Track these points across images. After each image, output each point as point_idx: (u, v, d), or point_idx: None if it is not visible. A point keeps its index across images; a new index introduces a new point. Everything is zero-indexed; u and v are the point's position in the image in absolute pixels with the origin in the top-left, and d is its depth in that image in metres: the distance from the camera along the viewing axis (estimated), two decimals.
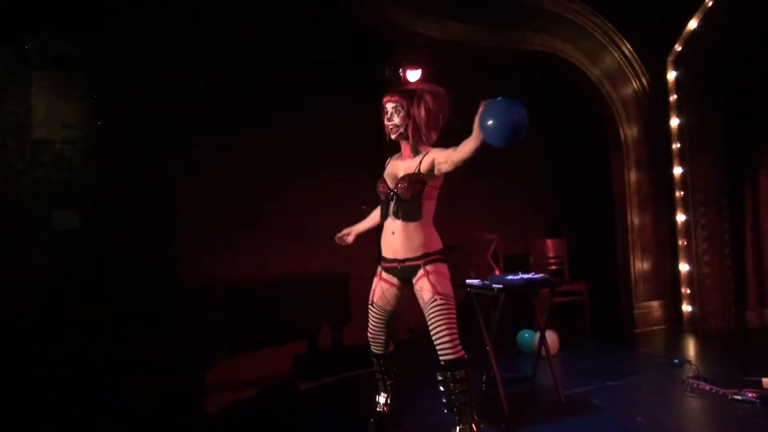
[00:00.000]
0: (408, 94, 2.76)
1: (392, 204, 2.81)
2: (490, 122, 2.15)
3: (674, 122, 5.35)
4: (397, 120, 2.76)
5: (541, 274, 3.67)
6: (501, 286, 3.36)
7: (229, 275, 4.35)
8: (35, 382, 3.50)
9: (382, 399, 3.14)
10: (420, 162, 2.76)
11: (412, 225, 2.77)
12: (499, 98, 2.22)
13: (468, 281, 3.63)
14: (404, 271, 2.82)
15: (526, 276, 3.56)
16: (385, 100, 2.80)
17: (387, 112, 2.80)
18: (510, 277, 3.53)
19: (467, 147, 2.49)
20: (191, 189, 4.24)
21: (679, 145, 5.32)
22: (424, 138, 2.79)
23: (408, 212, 2.77)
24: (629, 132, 5.45)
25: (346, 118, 4.83)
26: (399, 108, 2.74)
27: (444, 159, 2.64)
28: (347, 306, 4.91)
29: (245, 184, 4.48)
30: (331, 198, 4.82)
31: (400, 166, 2.86)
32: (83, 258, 3.97)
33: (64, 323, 3.77)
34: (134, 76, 4.09)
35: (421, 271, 2.74)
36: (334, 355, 4.81)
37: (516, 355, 4.72)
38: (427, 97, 2.72)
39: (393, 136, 2.83)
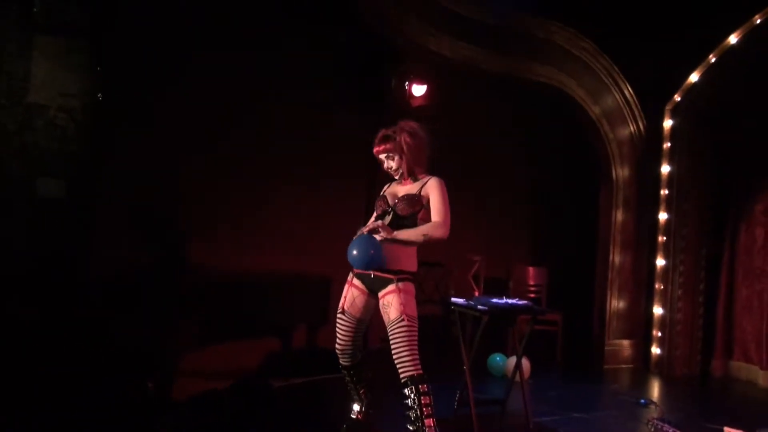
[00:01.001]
0: (391, 140, 2.92)
1: (387, 218, 2.91)
2: (354, 252, 2.74)
3: (665, 169, 5.49)
4: (393, 164, 2.95)
5: (525, 301, 3.73)
6: (486, 308, 3.40)
7: (212, 265, 4.31)
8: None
9: (356, 407, 3.16)
10: (420, 189, 2.90)
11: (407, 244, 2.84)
12: (363, 235, 2.78)
13: (453, 299, 3.66)
14: (375, 282, 2.86)
15: (510, 301, 3.61)
16: (375, 152, 2.98)
17: (383, 162, 2.98)
18: (495, 300, 3.57)
19: (414, 235, 2.80)
20: (184, 176, 4.22)
21: (666, 192, 5.46)
22: (419, 167, 2.95)
23: (401, 228, 2.83)
24: (621, 172, 5.58)
25: (346, 123, 4.86)
26: (390, 154, 2.93)
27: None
28: (326, 309, 4.89)
29: (240, 177, 4.48)
30: (322, 203, 4.85)
31: (400, 190, 2.99)
32: (66, 229, 3.91)
33: (35, 292, 3.70)
34: (141, 53, 4.06)
35: (392, 286, 2.79)
36: (308, 356, 4.79)
37: (484, 377, 4.77)
38: (407, 138, 2.89)
39: (395, 175, 3.00)
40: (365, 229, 2.84)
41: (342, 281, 4.62)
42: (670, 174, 5.45)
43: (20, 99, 3.79)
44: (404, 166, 2.91)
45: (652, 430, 3.76)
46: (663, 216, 5.47)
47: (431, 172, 2.98)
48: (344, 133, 4.85)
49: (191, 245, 4.26)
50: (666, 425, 3.77)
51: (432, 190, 2.85)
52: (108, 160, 3.98)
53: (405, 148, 2.87)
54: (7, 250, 3.70)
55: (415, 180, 2.94)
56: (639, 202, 5.63)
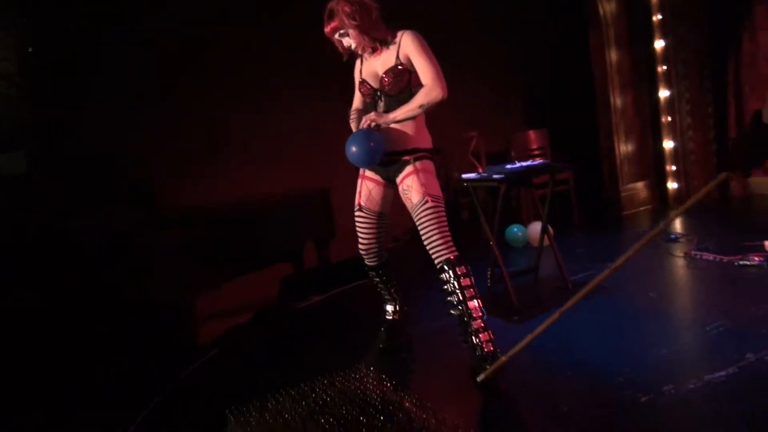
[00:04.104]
0: (335, 14, 2.50)
1: (381, 103, 2.58)
2: (353, 149, 2.46)
3: None
4: (352, 42, 2.55)
5: (540, 160, 3.46)
6: (502, 175, 3.14)
7: (207, 202, 4.05)
8: None
9: (390, 307, 2.99)
10: (397, 52, 2.51)
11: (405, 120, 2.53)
12: (359, 130, 2.53)
13: (464, 175, 3.40)
14: (390, 168, 2.59)
15: (524, 163, 3.35)
16: (327, 34, 2.58)
17: (340, 44, 2.61)
18: (509, 166, 3.31)
19: (411, 110, 2.47)
20: (157, 115, 3.81)
21: (659, 17, 5.06)
22: (377, 31, 2.54)
23: (400, 105, 2.50)
24: (608, 8, 5.15)
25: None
26: (342, 32, 2.54)
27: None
28: (331, 221, 4.68)
29: (217, 106, 4.09)
30: (306, 115, 4.51)
31: (376, 63, 2.59)
32: (36, 203, 3.56)
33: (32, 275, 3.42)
34: None
35: (409, 168, 2.52)
36: (323, 273, 4.63)
37: (505, 251, 4.61)
38: (345, 7, 2.47)
39: (360, 51, 2.60)
40: (363, 124, 2.53)
41: (340, 190, 4.37)
42: None
43: None
44: (361, 37, 2.51)
45: (691, 261, 3.64)
46: (659, 44, 5.11)
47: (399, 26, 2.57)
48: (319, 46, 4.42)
49: (182, 186, 3.94)
50: (704, 253, 3.65)
51: (409, 50, 2.47)
52: (62, 121, 3.55)
53: (348, 19, 2.46)
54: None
55: (386, 45, 2.54)
56: (631, 35, 5.24)
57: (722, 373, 2.21)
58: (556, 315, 2.21)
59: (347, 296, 4.26)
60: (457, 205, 5.52)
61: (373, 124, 2.50)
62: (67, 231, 3.47)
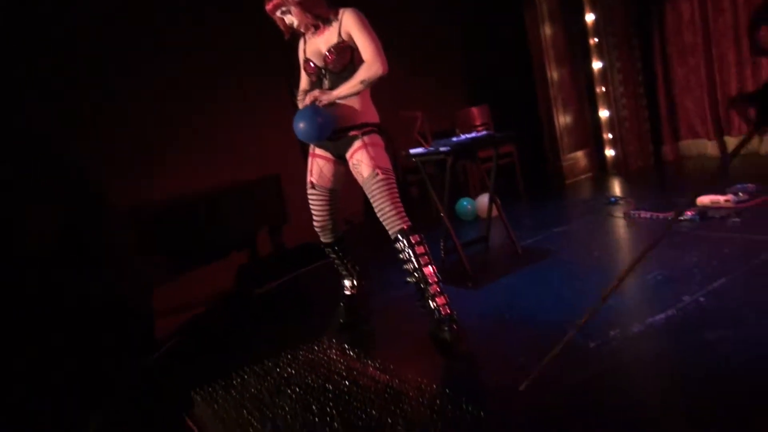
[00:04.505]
0: None
1: (326, 81, 2.61)
2: (300, 125, 2.48)
3: None
4: (294, 19, 2.57)
5: (484, 132, 3.57)
6: (448, 148, 3.23)
7: (158, 196, 3.99)
8: None
9: (347, 282, 3.03)
10: (339, 30, 2.53)
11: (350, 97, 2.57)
12: (305, 107, 2.54)
13: (412, 151, 3.47)
14: (338, 145, 2.63)
15: (469, 135, 3.45)
16: (268, 11, 2.57)
17: (280, 20, 2.61)
18: (454, 139, 3.40)
19: (353, 86, 2.51)
20: (102, 107, 3.71)
21: None
22: (319, 8, 2.55)
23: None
24: None
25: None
26: (283, 9, 2.54)
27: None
28: (282, 207, 4.69)
29: (164, 99, 4.02)
30: (252, 104, 4.48)
31: (319, 42, 2.61)
32: None
33: None
34: None
35: (357, 143, 2.56)
36: (279, 259, 4.63)
37: (456, 224, 4.73)
38: None
39: (302, 29, 2.62)
40: (307, 101, 2.55)
41: (290, 177, 4.38)
42: None
43: None
44: (303, 15, 2.52)
45: (630, 221, 3.84)
46: (590, 17, 5.31)
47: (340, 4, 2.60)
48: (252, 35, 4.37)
49: (131, 180, 3.85)
50: (642, 212, 3.86)
51: (350, 27, 2.50)
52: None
53: None
54: None
55: (328, 23, 2.57)
56: (563, 10, 5.42)
57: (662, 315, 2.37)
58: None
59: (304, 279, 4.29)
60: (405, 184, 5.59)
61: (317, 101, 2.53)
62: (11, 229, 3.35)
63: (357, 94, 2.55)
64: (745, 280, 2.55)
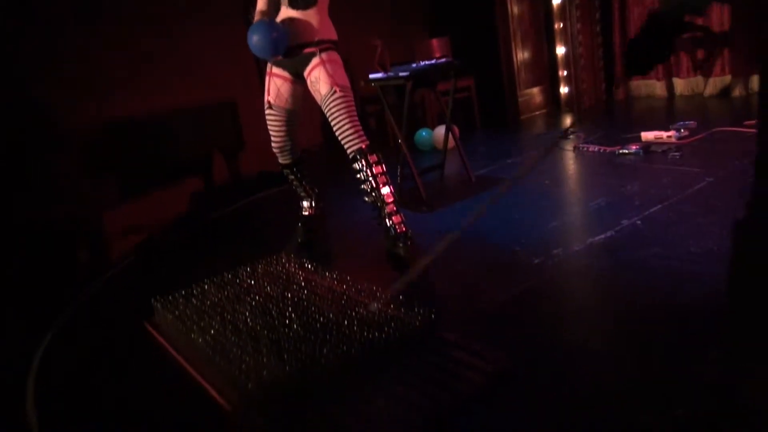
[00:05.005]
0: None
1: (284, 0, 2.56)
2: (254, 38, 2.45)
3: None
4: None
5: (444, 59, 3.59)
6: (408, 73, 3.25)
7: (105, 119, 3.87)
8: None
9: (306, 203, 3.09)
10: None
11: (310, 11, 2.56)
12: (259, 20, 2.51)
13: (371, 75, 3.47)
14: (296, 62, 2.61)
15: (429, 62, 3.47)
16: None
17: None
18: (414, 65, 3.42)
19: None
20: (49, 23, 3.52)
21: None
22: None
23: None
24: None
25: None
26: None
27: None
28: (239, 133, 4.63)
29: (115, 18, 3.84)
30: (211, 26, 4.32)
31: None
32: None
33: None
34: None
35: (315, 60, 2.55)
36: (234, 185, 4.62)
37: (415, 154, 4.80)
38: None
39: None
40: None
41: (247, 102, 4.30)
42: None
43: None
44: None
45: (579, 153, 4.00)
46: None
47: None
48: None
49: (84, 104, 3.73)
50: (590, 145, 4.02)
51: None
52: None
53: None
54: None
55: None
56: None
57: (602, 236, 2.54)
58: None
59: (261, 204, 4.32)
60: (364, 114, 5.59)
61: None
62: None
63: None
64: (679, 207, 2.74)
